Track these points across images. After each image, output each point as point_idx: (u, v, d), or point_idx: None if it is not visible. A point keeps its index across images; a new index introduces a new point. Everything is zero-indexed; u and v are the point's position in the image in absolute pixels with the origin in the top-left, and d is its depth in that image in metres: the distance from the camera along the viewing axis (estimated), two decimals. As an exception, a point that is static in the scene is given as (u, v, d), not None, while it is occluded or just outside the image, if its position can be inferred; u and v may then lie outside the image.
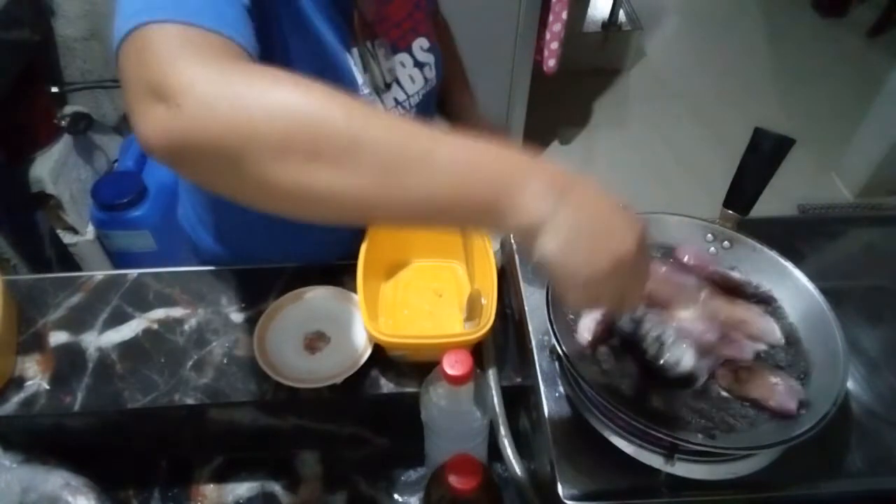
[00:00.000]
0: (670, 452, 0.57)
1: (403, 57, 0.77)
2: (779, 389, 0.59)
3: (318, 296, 0.80)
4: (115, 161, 1.92)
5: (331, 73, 0.68)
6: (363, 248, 0.77)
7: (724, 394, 0.61)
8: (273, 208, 0.43)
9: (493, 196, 0.43)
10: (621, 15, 2.81)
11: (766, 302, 0.68)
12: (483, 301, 0.75)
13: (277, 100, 0.40)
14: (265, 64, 0.43)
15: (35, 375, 0.74)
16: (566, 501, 0.59)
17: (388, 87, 0.75)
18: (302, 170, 0.40)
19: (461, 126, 0.94)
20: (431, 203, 0.42)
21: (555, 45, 2.10)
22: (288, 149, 0.40)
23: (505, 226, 0.44)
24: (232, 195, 0.43)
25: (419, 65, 0.79)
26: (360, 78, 0.72)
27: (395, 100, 0.76)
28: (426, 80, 0.80)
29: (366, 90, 0.72)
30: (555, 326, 0.61)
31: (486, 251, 0.77)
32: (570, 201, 0.43)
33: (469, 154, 0.43)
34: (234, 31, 0.46)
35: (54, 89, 1.68)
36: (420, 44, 0.79)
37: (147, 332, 0.78)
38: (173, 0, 0.44)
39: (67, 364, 0.75)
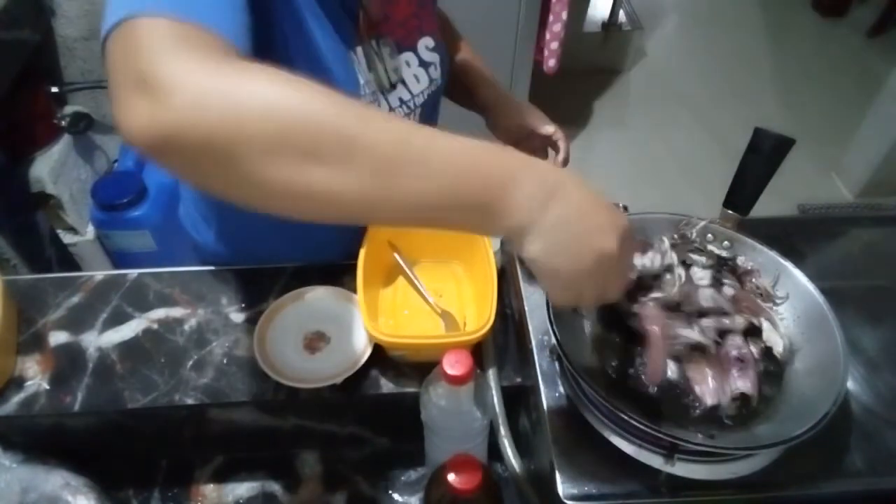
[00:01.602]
0: (670, 452, 0.57)
1: (409, 56, 0.77)
2: (710, 381, 0.60)
3: (318, 296, 0.80)
4: (115, 161, 1.92)
5: (331, 73, 0.68)
6: (363, 248, 0.77)
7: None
8: (265, 207, 0.43)
9: (485, 199, 0.44)
10: (621, 15, 2.81)
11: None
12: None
13: (270, 98, 0.40)
14: (261, 62, 0.43)
15: (35, 375, 0.74)
16: (566, 501, 0.59)
17: (393, 86, 0.75)
18: (295, 169, 0.40)
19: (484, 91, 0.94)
20: (425, 204, 0.43)
21: (555, 45, 2.10)
22: (281, 148, 0.39)
23: (495, 227, 0.45)
24: (221, 193, 0.42)
25: (424, 64, 0.78)
26: (362, 78, 0.71)
27: (401, 99, 0.76)
28: (431, 79, 0.79)
29: (368, 90, 0.72)
30: (555, 326, 0.61)
31: (486, 251, 0.77)
32: (557, 202, 0.45)
33: (463, 156, 0.43)
34: (227, 29, 0.45)
35: (54, 89, 1.68)
36: (425, 43, 0.79)
37: (147, 332, 0.78)
38: None
39: (67, 364, 0.75)
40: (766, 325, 0.65)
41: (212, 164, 0.40)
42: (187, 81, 0.39)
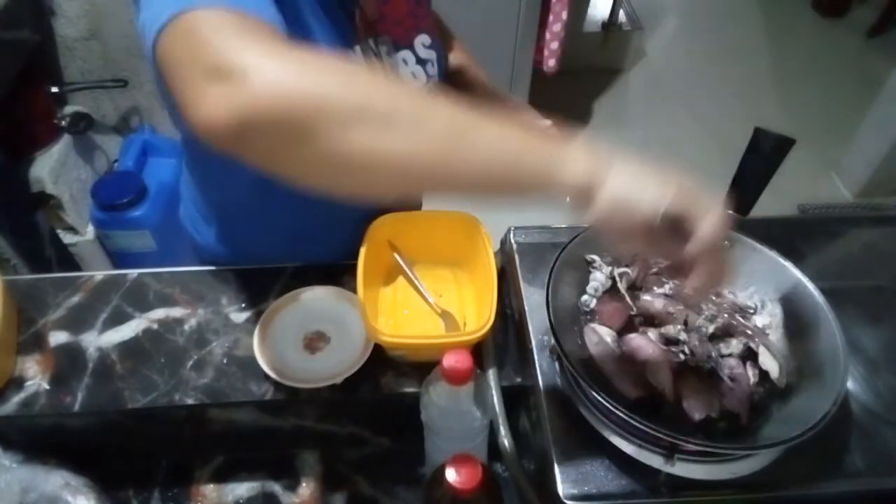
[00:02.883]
0: (670, 452, 0.57)
1: (406, 54, 0.77)
2: (699, 396, 0.60)
3: (318, 296, 0.80)
4: (115, 161, 1.92)
5: None
6: (363, 248, 0.77)
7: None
8: (333, 182, 0.44)
9: (550, 152, 0.46)
10: (621, 15, 2.81)
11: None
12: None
13: (345, 75, 0.42)
14: None
15: (35, 375, 0.74)
16: (566, 501, 0.59)
17: None
18: (375, 136, 0.41)
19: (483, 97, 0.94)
20: (494, 161, 0.45)
21: (555, 45, 2.10)
22: (363, 115, 0.41)
23: (564, 177, 0.45)
24: (292, 171, 0.44)
25: (421, 62, 0.79)
26: None
27: None
28: (428, 76, 0.80)
29: None
30: (555, 326, 0.61)
31: (487, 251, 0.77)
32: (618, 157, 0.47)
33: (516, 126, 0.46)
34: (272, 16, 0.47)
35: (54, 89, 1.68)
36: (422, 40, 0.79)
37: (147, 332, 0.78)
38: None
39: (67, 364, 0.75)
40: (761, 350, 0.64)
41: (290, 142, 0.41)
42: (262, 63, 0.41)
